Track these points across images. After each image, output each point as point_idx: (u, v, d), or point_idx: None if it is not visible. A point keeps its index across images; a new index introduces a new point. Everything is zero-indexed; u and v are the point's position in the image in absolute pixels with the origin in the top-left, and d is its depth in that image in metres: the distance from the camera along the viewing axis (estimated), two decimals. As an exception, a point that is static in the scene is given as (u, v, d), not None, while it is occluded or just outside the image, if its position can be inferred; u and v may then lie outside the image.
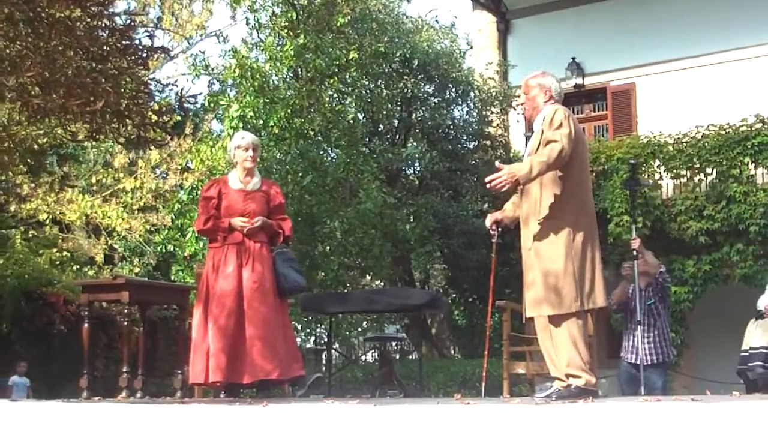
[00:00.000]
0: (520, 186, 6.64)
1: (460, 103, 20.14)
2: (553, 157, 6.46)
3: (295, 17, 15.75)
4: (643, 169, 16.45)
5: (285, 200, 8.86)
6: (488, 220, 7.33)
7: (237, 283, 8.10)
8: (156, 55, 12.20)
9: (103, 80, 9.67)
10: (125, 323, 9.44)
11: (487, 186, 6.61)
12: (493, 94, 19.93)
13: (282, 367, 8.03)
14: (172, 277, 15.28)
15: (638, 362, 9.50)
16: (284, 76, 16.11)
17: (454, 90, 19.74)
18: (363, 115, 18.37)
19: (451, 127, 19.71)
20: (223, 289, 8.11)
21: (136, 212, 15.79)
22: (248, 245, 8.22)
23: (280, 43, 15.94)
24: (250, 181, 8.47)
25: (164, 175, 16.78)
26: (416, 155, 18.74)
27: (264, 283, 8.12)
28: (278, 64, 15.65)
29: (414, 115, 19.49)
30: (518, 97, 18.41)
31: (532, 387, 9.47)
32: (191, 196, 15.28)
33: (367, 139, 17.99)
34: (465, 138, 20.25)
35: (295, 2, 15.97)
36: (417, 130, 19.53)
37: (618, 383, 10.31)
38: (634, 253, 9.58)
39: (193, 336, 8.25)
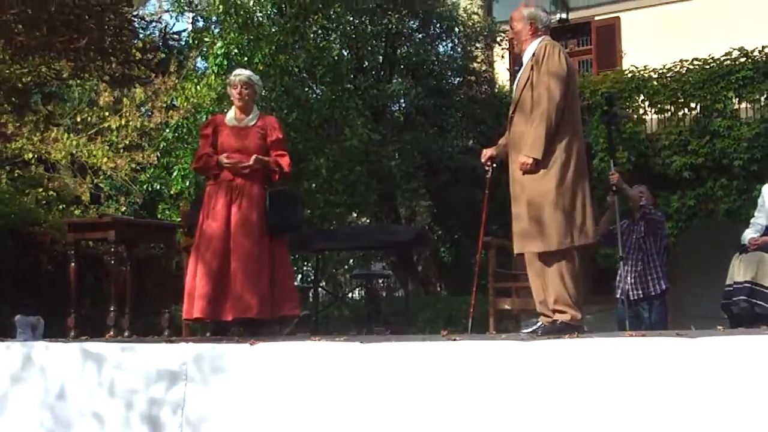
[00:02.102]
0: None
1: (444, 38, 19.98)
2: (552, 117, 6.48)
3: (278, -48, 15.61)
4: (627, 104, 16.45)
5: (284, 134, 8.73)
6: (483, 156, 7.34)
7: (224, 221, 8.10)
8: (139, -9, 12.11)
9: (87, 17, 9.61)
10: (112, 262, 9.46)
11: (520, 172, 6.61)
12: (478, 29, 19.84)
13: (264, 305, 8.03)
14: (159, 216, 15.27)
15: (623, 297, 9.55)
16: (268, 12, 15.96)
17: (438, 25, 19.59)
18: (348, 51, 18.22)
19: (436, 63, 19.60)
20: (210, 227, 8.13)
21: (121, 151, 15.70)
22: (238, 183, 8.20)
23: (264, -22, 15.80)
24: (244, 117, 8.44)
25: (149, 113, 16.67)
26: (401, 92, 18.64)
27: (250, 220, 8.10)
28: (262, 0, 15.54)
29: (399, 51, 19.34)
30: (502, 32, 18.39)
31: (519, 323, 9.52)
32: (176, 135, 15.23)
33: (352, 76, 17.86)
34: (450, 74, 20.15)
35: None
36: (402, 67, 19.41)
37: (605, 319, 10.38)
38: (613, 188, 9.57)
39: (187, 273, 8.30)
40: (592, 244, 6.85)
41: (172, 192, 14.82)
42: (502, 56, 19.86)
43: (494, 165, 7.38)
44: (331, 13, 16.52)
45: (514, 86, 7.03)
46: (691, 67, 16.37)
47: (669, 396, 5.20)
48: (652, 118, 16.74)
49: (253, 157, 8.16)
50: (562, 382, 5.50)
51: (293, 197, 8.60)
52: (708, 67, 16.18)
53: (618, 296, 9.71)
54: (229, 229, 8.09)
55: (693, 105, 16.25)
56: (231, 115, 8.50)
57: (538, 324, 6.61)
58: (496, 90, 20.13)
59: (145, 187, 16.07)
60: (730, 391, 5.09)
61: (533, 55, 6.72)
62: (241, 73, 8.61)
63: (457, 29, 19.77)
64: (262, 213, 8.18)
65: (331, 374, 6.16)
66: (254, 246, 8.08)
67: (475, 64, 20.25)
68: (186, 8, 17.45)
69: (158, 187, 15.63)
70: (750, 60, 15.87)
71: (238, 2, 15.16)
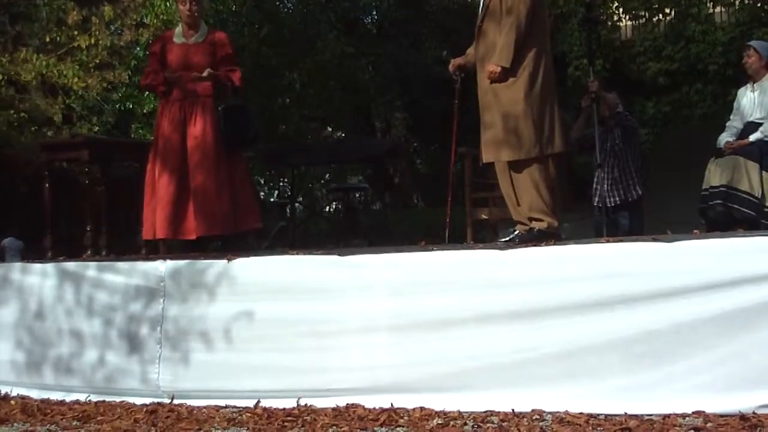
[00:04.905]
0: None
1: (416, -53, 19.79)
2: (521, 26, 6.43)
3: None
4: (602, 10, 16.33)
5: (233, 49, 8.60)
6: (451, 66, 7.30)
7: (179, 139, 8.01)
8: None
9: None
10: (86, 182, 9.40)
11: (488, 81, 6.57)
12: (448, -64, 19.65)
13: (228, 220, 8.00)
14: (132, 135, 15.18)
15: (600, 204, 9.55)
16: (237, -75, 15.76)
17: (409, -66, 19.39)
18: (318, -37, 18.04)
19: (408, -27, 19.43)
20: (165, 146, 8.03)
21: (92, 70, 15.51)
22: (191, 100, 8.09)
23: None
24: (193, 34, 8.29)
25: (119, 32, 16.46)
26: (373, 3, 18.49)
27: (206, 138, 7.99)
28: None
29: (370, -38, 19.17)
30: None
31: (496, 232, 9.53)
32: (147, 53, 15.08)
33: (323, -11, 17.72)
34: (421, -16, 20.00)
35: None
36: (374, -22, 19.24)
37: (582, 227, 10.39)
38: (593, 95, 9.50)
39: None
40: (565, 152, 6.84)
41: (144, 110, 14.71)
42: (474, -35, 19.67)
43: (463, 75, 7.35)
44: (300, -76, 16.33)
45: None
46: (666, -29, 16.24)
47: (647, 299, 5.24)
48: (626, 25, 16.65)
49: (207, 70, 8.04)
50: (540, 288, 5.53)
51: (246, 111, 8.47)
52: (682, -29, 16.07)
53: (595, 204, 9.72)
54: (185, 147, 7.98)
55: (667, 10, 16.13)
56: (179, 31, 8.37)
57: (516, 233, 6.62)
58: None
59: (117, 106, 15.94)
60: (706, 292, 5.13)
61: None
62: None
63: (427, -63, 19.57)
64: (217, 129, 8.07)
65: (310, 287, 6.18)
66: (212, 163, 7.98)
67: (447, -27, 20.08)
68: None
69: (131, 106, 15.50)
70: (725, -37, 15.75)
71: None
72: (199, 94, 8.12)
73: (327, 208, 20.58)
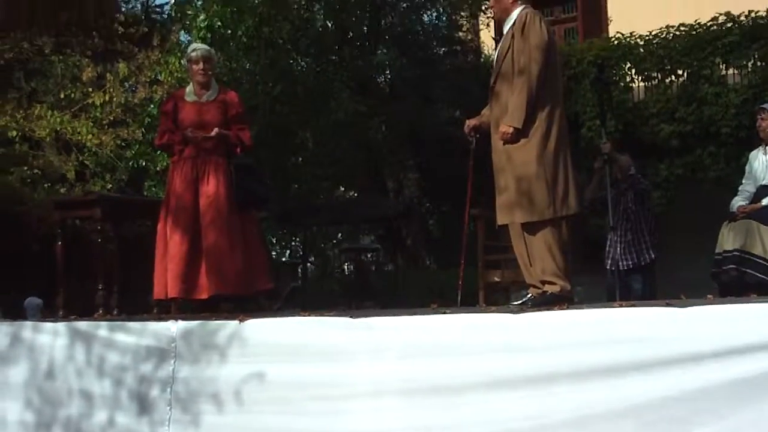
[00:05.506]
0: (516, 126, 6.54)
1: (429, 7, 19.84)
2: (533, 86, 6.43)
3: None
4: (614, 72, 16.37)
5: (244, 108, 8.72)
6: (466, 127, 7.30)
7: (192, 198, 8.05)
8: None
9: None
10: (99, 240, 9.40)
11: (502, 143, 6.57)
12: (462, -3, 19.74)
13: (240, 280, 8.02)
14: (145, 193, 15.21)
15: (613, 267, 9.52)
16: (251, -17, 15.87)
17: (422, -6, 19.50)
18: (332, 22, 18.12)
19: (421, 32, 19.49)
20: (178, 204, 8.08)
21: (106, 127, 15.57)
22: (204, 158, 8.14)
23: (246, -50, 15.67)
24: (204, 92, 8.37)
25: (133, 89, 16.54)
26: (386, 62, 18.56)
27: (219, 197, 8.04)
28: (244, -28, 15.42)
29: (383, 21, 19.22)
30: (487, 0, 18.26)
31: (508, 295, 9.50)
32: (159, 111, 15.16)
33: (337, 48, 17.79)
34: (435, 44, 20.05)
35: None
36: (387, 37, 19.29)
37: (594, 290, 10.36)
38: (605, 157, 9.49)
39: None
40: (578, 213, 6.82)
41: (158, 168, 14.75)
42: (488, 24, 19.71)
43: (478, 135, 7.34)
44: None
45: (495, 56, 7.00)
46: (678, 33, 16.27)
47: (660, 365, 5.19)
48: (639, 86, 16.67)
49: (215, 129, 8.10)
50: (553, 353, 5.49)
51: (256, 172, 8.53)
52: (694, 33, 16.09)
53: (608, 267, 9.69)
54: (197, 206, 8.04)
55: (680, 72, 16.18)
56: (190, 89, 8.45)
57: (528, 296, 6.58)
58: (482, 59, 20.02)
59: (130, 163, 15.98)
60: (720, 359, 5.08)
61: (513, 23, 6.69)
62: (200, 48, 8.56)
63: (441, -3, 19.67)
64: (230, 188, 8.12)
65: (321, 349, 6.14)
66: (225, 221, 8.03)
67: (461, 33, 20.16)
68: (168, -20, 17.34)
69: (144, 164, 15.55)
70: (736, 25, 15.77)
71: (220, -26, 15.05)
72: (211, 153, 8.15)
73: (339, 269, 20.55)
